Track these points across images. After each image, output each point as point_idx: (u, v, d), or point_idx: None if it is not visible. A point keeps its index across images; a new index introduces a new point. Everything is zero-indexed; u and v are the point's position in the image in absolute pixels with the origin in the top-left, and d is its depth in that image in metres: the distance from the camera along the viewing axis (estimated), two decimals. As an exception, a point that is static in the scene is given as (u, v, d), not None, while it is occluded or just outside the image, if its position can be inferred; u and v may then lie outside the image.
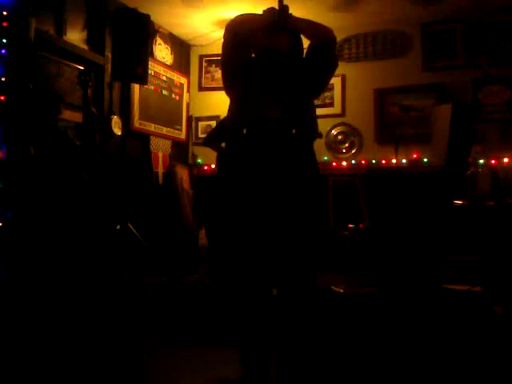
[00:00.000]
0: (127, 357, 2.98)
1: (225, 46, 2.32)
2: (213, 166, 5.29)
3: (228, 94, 2.38)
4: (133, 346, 3.15)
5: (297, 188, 2.22)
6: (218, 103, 5.45)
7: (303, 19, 2.33)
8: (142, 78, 4.54)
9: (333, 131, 5.18)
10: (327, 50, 2.33)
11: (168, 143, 5.40)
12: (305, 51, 2.38)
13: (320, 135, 2.38)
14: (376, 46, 5.12)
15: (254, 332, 2.27)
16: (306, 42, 2.39)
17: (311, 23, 2.33)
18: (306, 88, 2.29)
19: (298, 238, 2.22)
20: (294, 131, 2.20)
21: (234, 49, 2.29)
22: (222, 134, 2.42)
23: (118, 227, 4.08)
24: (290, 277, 2.24)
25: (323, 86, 2.46)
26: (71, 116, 4.03)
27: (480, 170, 4.27)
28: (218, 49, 5.68)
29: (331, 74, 2.41)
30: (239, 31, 2.28)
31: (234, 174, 2.27)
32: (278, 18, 2.26)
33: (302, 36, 2.36)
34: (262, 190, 2.20)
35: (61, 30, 4.02)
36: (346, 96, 5.20)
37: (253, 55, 2.34)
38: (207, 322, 3.35)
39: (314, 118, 2.35)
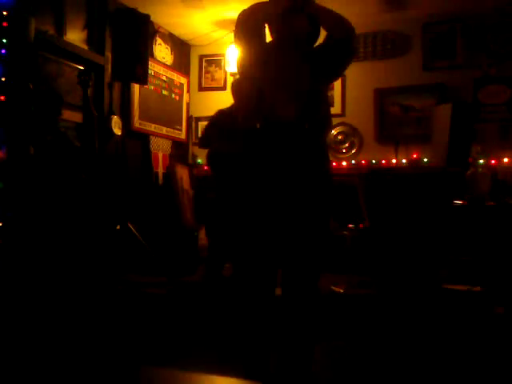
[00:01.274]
0: (126, 357, 2.98)
1: (235, 37, 2.30)
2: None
3: (243, 85, 2.37)
4: (132, 346, 3.15)
5: (305, 188, 2.20)
6: (218, 103, 5.42)
7: (324, 8, 2.25)
8: (142, 78, 4.54)
9: (333, 131, 5.18)
10: (347, 43, 2.26)
11: (168, 143, 5.40)
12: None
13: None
14: (376, 46, 5.11)
15: (255, 332, 2.27)
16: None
17: (332, 14, 2.26)
18: (320, 79, 2.27)
19: (303, 239, 2.21)
20: (306, 126, 2.19)
21: (244, 40, 2.26)
22: (219, 132, 2.39)
23: (118, 227, 4.08)
24: (294, 276, 2.24)
25: (337, 74, 2.46)
26: (71, 116, 4.03)
27: (480, 170, 4.27)
28: (218, 49, 5.75)
29: (347, 66, 2.36)
30: (248, 23, 2.25)
31: (246, 171, 2.27)
32: (297, 1, 2.17)
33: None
34: (271, 188, 2.19)
35: (61, 30, 4.02)
36: (345, 96, 5.19)
37: (267, 41, 2.32)
38: (206, 322, 3.35)
39: (327, 108, 2.33)
